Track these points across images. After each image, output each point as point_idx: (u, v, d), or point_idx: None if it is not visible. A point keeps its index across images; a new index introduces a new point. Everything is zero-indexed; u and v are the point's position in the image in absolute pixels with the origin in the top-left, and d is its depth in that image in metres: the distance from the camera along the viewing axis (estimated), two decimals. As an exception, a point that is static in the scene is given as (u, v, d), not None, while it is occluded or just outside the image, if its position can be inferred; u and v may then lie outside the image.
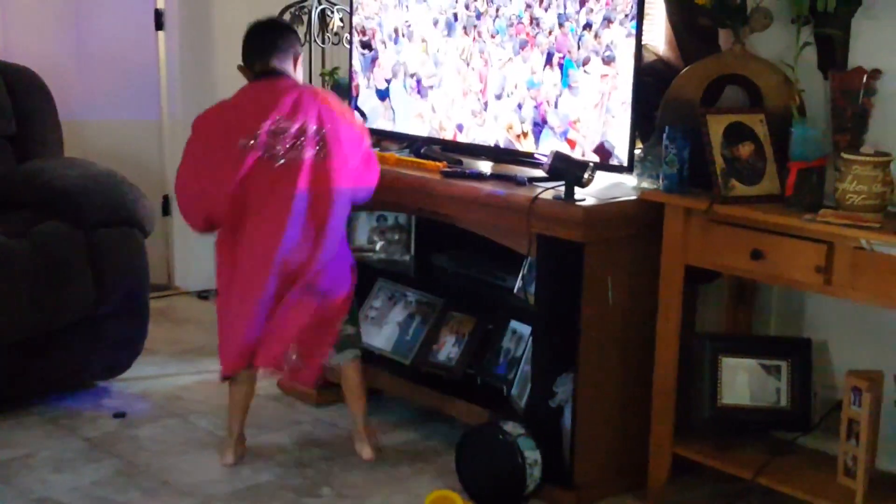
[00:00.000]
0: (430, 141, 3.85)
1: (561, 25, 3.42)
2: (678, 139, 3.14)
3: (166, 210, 5.38)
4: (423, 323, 3.91)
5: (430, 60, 3.81)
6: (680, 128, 3.16)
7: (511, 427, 3.30)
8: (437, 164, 3.64)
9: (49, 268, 3.82)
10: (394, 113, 3.97)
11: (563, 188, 3.22)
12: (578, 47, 3.38)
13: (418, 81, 3.86)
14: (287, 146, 3.32)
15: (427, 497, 3.18)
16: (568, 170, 3.22)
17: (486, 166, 3.66)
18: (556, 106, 3.46)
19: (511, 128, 3.59)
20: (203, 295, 5.36)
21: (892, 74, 3.02)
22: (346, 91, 4.10)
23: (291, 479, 3.48)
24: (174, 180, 3.50)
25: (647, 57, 3.48)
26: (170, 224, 5.39)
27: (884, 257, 2.77)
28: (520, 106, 3.56)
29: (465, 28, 3.69)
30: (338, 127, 3.40)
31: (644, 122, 3.34)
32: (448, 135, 3.79)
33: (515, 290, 3.47)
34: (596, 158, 3.34)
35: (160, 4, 5.24)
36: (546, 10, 3.46)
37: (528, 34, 3.52)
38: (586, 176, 3.19)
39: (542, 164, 3.34)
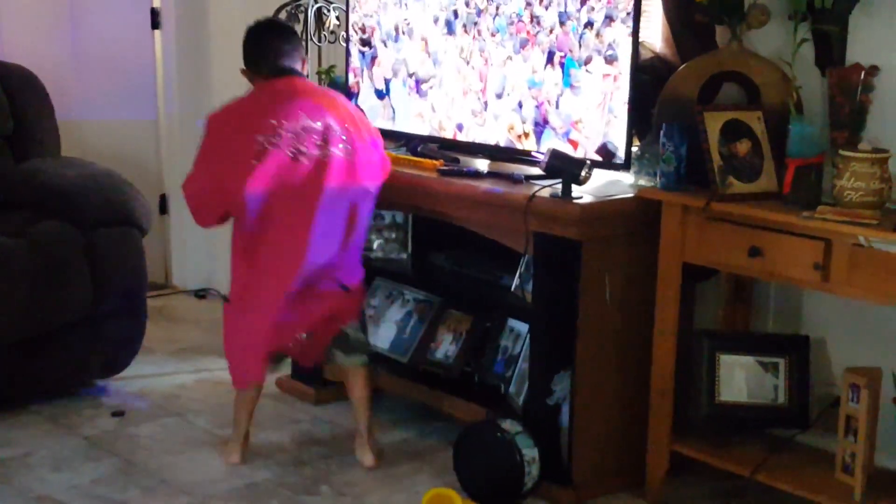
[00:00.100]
0: (427, 139, 3.84)
1: (562, 24, 3.40)
2: (675, 136, 3.14)
3: (164, 209, 5.38)
4: (420, 321, 3.91)
5: (429, 59, 3.80)
6: (677, 125, 3.16)
7: (509, 425, 3.30)
8: (434, 162, 3.64)
9: (47, 267, 3.82)
10: (394, 112, 3.97)
11: (560, 186, 3.22)
12: (580, 46, 3.36)
13: (417, 81, 3.85)
14: (313, 144, 3.29)
15: (425, 495, 3.18)
16: (565, 168, 3.22)
17: (483, 164, 3.65)
18: (557, 106, 3.45)
19: (512, 128, 3.58)
20: (200, 294, 5.35)
21: (889, 71, 3.02)
22: (342, 89, 4.10)
23: (290, 477, 3.48)
24: (184, 181, 3.41)
25: (644, 54, 3.47)
26: (167, 223, 5.39)
27: (881, 254, 2.77)
28: (520, 105, 3.55)
29: (464, 26, 3.68)
30: (358, 125, 3.41)
31: (641, 119, 3.34)
32: (448, 135, 3.79)
33: (513, 289, 3.47)
34: (599, 160, 3.33)
35: (156, 3, 5.24)
36: (546, 8, 3.44)
37: (528, 32, 3.50)
38: (583, 174, 3.20)
39: (539, 162, 3.34)
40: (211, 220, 3.42)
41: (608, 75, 3.29)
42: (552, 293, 3.27)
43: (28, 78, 4.51)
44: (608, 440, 3.37)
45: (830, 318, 3.31)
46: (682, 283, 3.21)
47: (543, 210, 3.20)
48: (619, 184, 3.35)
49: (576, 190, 3.21)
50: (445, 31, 3.74)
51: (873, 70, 3.01)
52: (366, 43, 4.03)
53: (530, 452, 3.26)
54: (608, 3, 3.26)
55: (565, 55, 3.40)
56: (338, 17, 4.30)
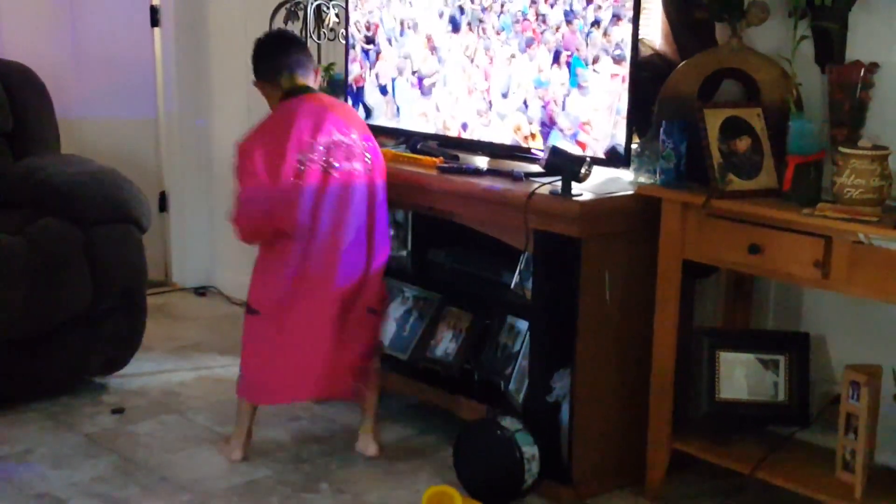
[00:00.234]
0: (429, 137, 3.84)
1: (568, 22, 3.36)
2: (675, 134, 3.14)
3: (163, 207, 5.37)
4: (420, 318, 3.91)
5: (433, 57, 3.79)
6: (677, 122, 3.15)
7: (509, 422, 3.30)
8: (434, 159, 3.64)
9: (47, 265, 3.82)
10: (398, 109, 3.95)
11: (559, 183, 3.22)
12: (587, 45, 3.32)
13: (420, 79, 3.84)
14: (342, 158, 3.37)
15: (425, 492, 3.18)
16: (564, 165, 3.22)
17: (482, 162, 3.65)
18: (563, 107, 3.41)
19: (519, 129, 3.55)
20: (200, 291, 5.36)
21: (889, 68, 3.02)
22: (342, 87, 4.10)
23: (290, 474, 3.47)
24: (234, 215, 3.38)
25: (644, 52, 3.47)
26: (167, 221, 5.39)
27: (882, 251, 2.77)
28: (525, 105, 3.52)
29: (469, 24, 3.66)
30: (370, 136, 3.49)
31: (641, 116, 3.34)
32: (452, 133, 3.76)
33: (513, 286, 3.47)
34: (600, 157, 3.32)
35: (155, 1, 5.23)
36: (552, 6, 3.40)
37: (534, 31, 3.47)
38: (583, 171, 3.19)
39: (539, 160, 3.33)
40: (259, 241, 3.46)
41: (616, 75, 3.25)
42: (552, 290, 3.27)
43: (28, 75, 4.51)
44: (608, 437, 3.37)
45: (831, 316, 3.31)
46: (682, 280, 3.20)
47: (543, 207, 3.19)
48: (618, 181, 3.34)
49: (576, 187, 3.21)
50: (450, 28, 3.72)
51: (873, 67, 3.00)
52: (370, 41, 4.01)
53: (530, 450, 3.25)
54: (615, 1, 3.23)
55: (572, 54, 3.37)
56: (337, 15, 4.30)
